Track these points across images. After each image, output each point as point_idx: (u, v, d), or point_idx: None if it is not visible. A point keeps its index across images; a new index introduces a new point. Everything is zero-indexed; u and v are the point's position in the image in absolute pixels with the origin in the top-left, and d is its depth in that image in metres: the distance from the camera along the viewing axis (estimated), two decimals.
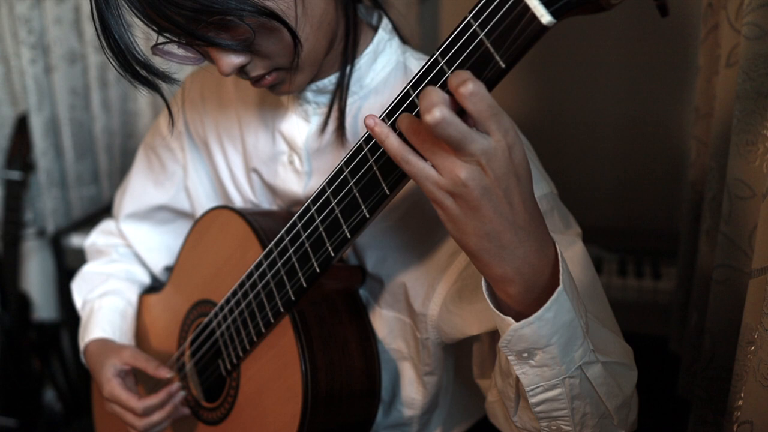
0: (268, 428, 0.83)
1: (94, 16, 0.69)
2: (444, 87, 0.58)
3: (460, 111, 0.55)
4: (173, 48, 0.74)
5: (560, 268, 0.60)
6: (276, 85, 0.78)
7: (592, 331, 0.66)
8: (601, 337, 0.68)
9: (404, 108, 0.63)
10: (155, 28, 0.71)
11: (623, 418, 0.70)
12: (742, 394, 0.78)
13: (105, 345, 0.98)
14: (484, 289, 0.63)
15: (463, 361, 0.95)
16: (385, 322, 0.88)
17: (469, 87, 0.53)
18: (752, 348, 0.77)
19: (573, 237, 0.78)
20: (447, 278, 0.81)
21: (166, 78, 0.73)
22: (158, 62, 0.74)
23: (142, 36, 0.72)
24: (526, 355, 0.62)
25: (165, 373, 0.92)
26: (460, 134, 0.53)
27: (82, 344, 1.01)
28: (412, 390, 0.90)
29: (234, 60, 0.72)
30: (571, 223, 0.81)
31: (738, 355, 0.81)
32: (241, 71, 0.75)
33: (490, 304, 0.62)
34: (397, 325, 0.88)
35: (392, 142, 0.59)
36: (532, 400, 0.65)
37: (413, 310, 0.85)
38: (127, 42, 0.70)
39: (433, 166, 0.57)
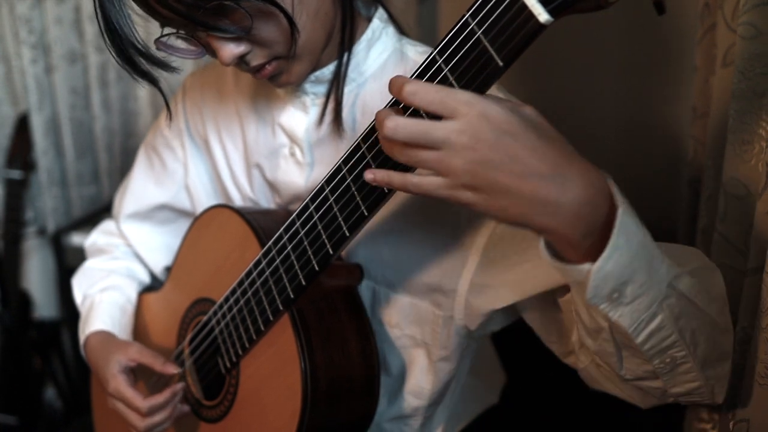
0: (268, 426, 0.83)
1: (96, 7, 0.70)
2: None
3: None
4: (175, 41, 0.75)
5: (614, 192, 0.57)
6: (276, 76, 0.80)
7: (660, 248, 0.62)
8: (671, 251, 0.64)
9: (401, 107, 0.63)
10: (157, 19, 0.72)
11: (728, 321, 0.68)
12: (739, 393, 0.79)
13: (108, 339, 0.99)
14: (544, 251, 0.59)
15: (477, 358, 0.95)
16: (400, 308, 0.88)
17: (407, 88, 0.55)
18: (748, 347, 0.77)
19: None
20: (475, 250, 0.80)
21: (166, 66, 0.74)
22: (160, 56, 0.75)
23: (142, 25, 0.73)
24: (616, 295, 0.59)
25: (173, 369, 0.92)
26: (419, 128, 0.55)
27: (82, 337, 1.01)
28: (422, 378, 0.90)
29: (234, 49, 0.74)
30: None
31: (734, 354, 0.82)
32: (242, 62, 0.76)
33: (558, 263, 0.59)
34: (413, 310, 0.88)
35: (395, 180, 0.60)
36: (639, 340, 0.62)
37: (437, 289, 0.84)
38: (128, 32, 0.71)
39: (434, 173, 0.57)
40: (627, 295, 0.59)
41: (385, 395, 0.92)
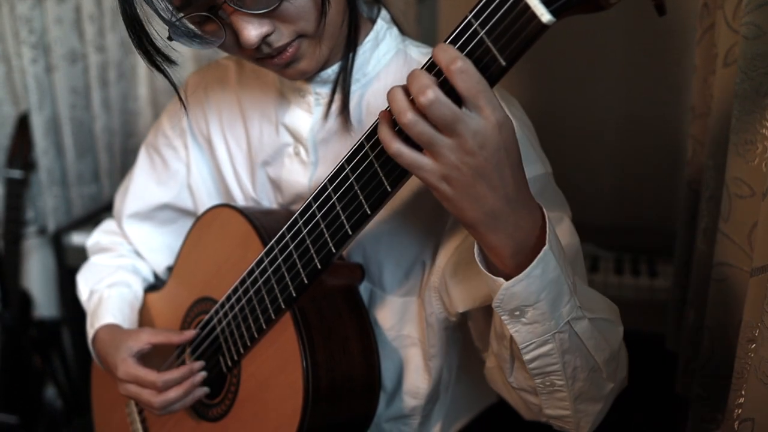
0: (269, 424, 0.83)
1: None
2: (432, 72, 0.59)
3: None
4: (193, 26, 0.73)
5: (547, 229, 0.63)
6: (295, 62, 0.77)
7: (578, 291, 0.70)
8: (588, 296, 0.73)
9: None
10: (177, 1, 0.70)
11: (611, 372, 0.75)
12: (743, 392, 0.78)
13: (118, 330, 0.98)
14: (476, 255, 0.66)
15: (467, 352, 0.95)
16: (395, 308, 0.89)
17: (458, 64, 0.55)
18: (753, 346, 0.77)
19: (561, 215, 0.81)
20: (446, 250, 0.84)
21: (169, 60, 0.74)
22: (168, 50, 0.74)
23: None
24: (518, 313, 0.66)
25: (189, 333, 0.93)
26: (453, 114, 0.56)
27: (91, 331, 1.00)
28: (417, 378, 0.91)
29: (259, 28, 0.71)
30: (562, 204, 0.84)
31: (739, 353, 0.81)
32: (264, 44, 0.74)
33: (482, 269, 0.66)
34: (409, 309, 0.89)
35: (384, 135, 0.61)
36: (526, 357, 0.69)
37: (423, 288, 0.87)
38: (144, 20, 0.70)
39: (425, 152, 0.59)
40: (527, 317, 0.66)
41: (383, 398, 0.93)
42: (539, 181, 0.81)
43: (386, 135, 0.61)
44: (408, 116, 0.57)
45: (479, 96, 0.56)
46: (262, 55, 0.76)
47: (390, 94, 0.60)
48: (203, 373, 0.91)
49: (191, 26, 0.73)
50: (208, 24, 0.74)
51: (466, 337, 0.94)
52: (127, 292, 1.05)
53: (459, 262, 0.83)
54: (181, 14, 0.71)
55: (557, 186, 0.85)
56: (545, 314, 0.65)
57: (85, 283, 1.09)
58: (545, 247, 0.62)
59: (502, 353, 0.74)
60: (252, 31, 0.71)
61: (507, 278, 0.63)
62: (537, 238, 0.64)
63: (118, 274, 1.07)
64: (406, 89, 0.59)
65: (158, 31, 0.73)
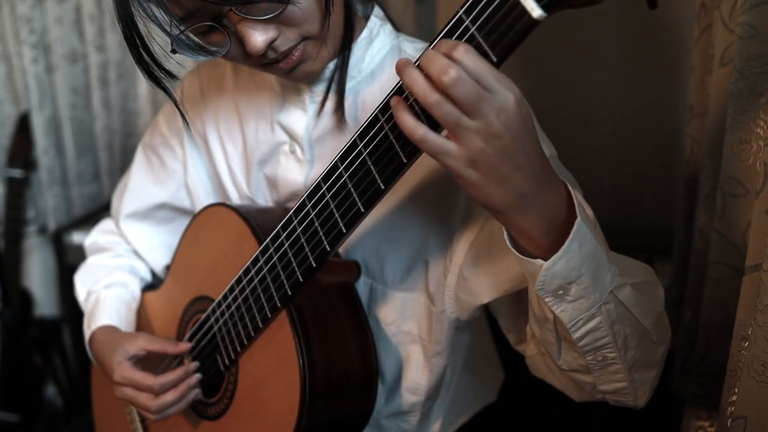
0: (267, 422, 0.84)
1: (116, 10, 0.69)
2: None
3: None
4: (196, 38, 0.72)
5: (575, 202, 0.62)
6: (300, 65, 0.77)
7: (612, 259, 0.68)
8: (622, 263, 0.71)
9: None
10: (180, 11, 0.69)
11: (661, 335, 0.74)
12: (736, 390, 0.79)
13: (114, 332, 0.98)
14: (507, 240, 0.64)
15: (472, 352, 0.96)
16: (396, 304, 0.89)
17: (460, 49, 0.55)
18: (746, 344, 0.78)
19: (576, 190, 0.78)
20: (462, 246, 0.83)
21: (170, 75, 0.74)
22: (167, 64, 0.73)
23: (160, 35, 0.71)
24: (561, 292, 0.64)
25: (184, 345, 0.93)
26: (477, 93, 0.54)
27: (88, 332, 1.01)
28: (417, 374, 0.91)
29: (264, 34, 0.71)
30: (573, 182, 0.82)
31: (732, 351, 0.82)
32: (269, 49, 0.73)
33: (516, 254, 0.64)
34: (410, 306, 0.88)
35: (407, 121, 0.58)
36: (575, 335, 0.67)
37: (432, 284, 0.86)
38: (145, 36, 0.70)
39: (450, 137, 0.57)
40: (571, 294, 0.65)
41: (382, 392, 0.93)
42: (551, 161, 0.78)
43: (409, 121, 0.58)
44: (434, 97, 0.55)
45: (489, 76, 0.55)
46: (268, 60, 0.75)
47: (407, 76, 0.57)
48: (198, 375, 0.91)
49: (195, 38, 0.72)
50: (212, 34, 0.73)
51: (472, 337, 0.94)
52: (124, 293, 1.06)
53: (478, 255, 0.82)
54: (185, 26, 0.70)
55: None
56: (589, 288, 0.64)
57: (83, 284, 1.09)
58: (578, 220, 0.61)
59: (546, 337, 0.72)
60: (258, 37, 0.71)
61: (544, 259, 0.62)
62: (566, 213, 0.62)
63: (115, 274, 1.08)
64: (423, 64, 0.57)
65: (160, 45, 0.73)
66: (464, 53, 0.55)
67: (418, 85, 0.56)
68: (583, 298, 0.65)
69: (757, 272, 0.75)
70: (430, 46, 0.60)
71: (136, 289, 1.09)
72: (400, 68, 0.58)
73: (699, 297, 1.00)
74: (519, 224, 0.61)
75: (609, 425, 1.49)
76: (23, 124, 1.97)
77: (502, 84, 0.56)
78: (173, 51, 0.72)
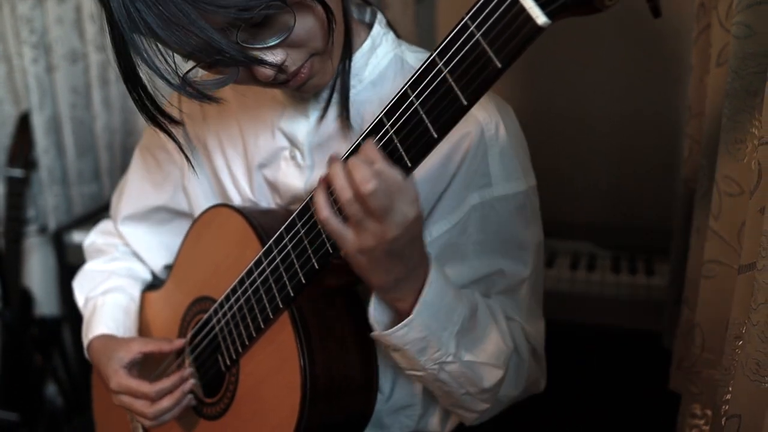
0: (267, 422, 0.84)
1: (119, 60, 0.69)
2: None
3: None
4: (199, 84, 0.71)
5: (420, 300, 0.73)
6: (309, 80, 0.77)
7: (472, 334, 0.80)
8: (479, 338, 0.81)
9: (403, 108, 0.64)
10: (184, 51, 0.68)
11: (486, 398, 0.84)
12: (730, 388, 0.79)
13: (110, 340, 0.99)
14: (372, 306, 0.77)
15: None
16: None
17: (377, 166, 0.63)
18: (740, 343, 0.78)
19: (523, 242, 0.89)
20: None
21: (171, 120, 0.76)
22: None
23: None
24: (394, 349, 0.78)
25: (179, 342, 0.95)
26: (386, 206, 0.64)
27: (85, 341, 1.02)
28: None
29: (275, 58, 0.71)
30: (534, 225, 0.90)
31: (726, 350, 0.82)
32: (279, 71, 0.73)
33: (371, 313, 0.77)
34: None
35: (319, 199, 0.68)
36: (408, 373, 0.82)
37: None
38: (149, 87, 0.71)
39: (349, 225, 0.67)
40: (396, 354, 0.80)
41: (383, 389, 0.94)
42: (518, 198, 0.86)
43: (321, 201, 0.67)
44: (347, 195, 0.64)
45: (396, 194, 0.64)
46: (278, 81, 0.75)
47: (332, 169, 0.66)
48: (192, 381, 0.93)
49: (199, 87, 0.71)
50: (217, 65, 0.72)
51: None
52: (122, 298, 1.06)
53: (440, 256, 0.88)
54: (191, 60, 0.70)
55: (538, 199, 0.90)
56: (411, 360, 0.78)
57: (81, 290, 1.11)
58: (410, 317, 0.73)
59: None
60: (268, 61, 0.71)
61: (402, 314, 0.75)
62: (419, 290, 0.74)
63: (112, 279, 1.08)
64: (348, 167, 0.65)
65: (161, 90, 0.73)
66: (385, 167, 0.63)
67: (338, 181, 0.65)
68: (405, 360, 0.79)
69: (752, 271, 0.76)
70: (435, 52, 0.61)
71: (134, 291, 1.09)
72: (330, 161, 0.68)
73: (695, 296, 1.00)
74: (391, 297, 0.75)
75: (607, 425, 1.50)
76: (23, 124, 1.97)
77: (407, 200, 0.65)
78: (185, 88, 0.70)
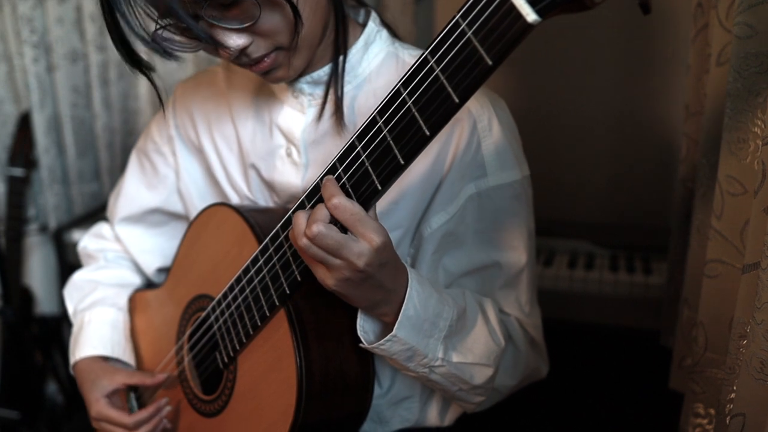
0: (264, 419, 0.84)
1: None
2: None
3: None
4: (173, 35, 0.75)
5: (398, 319, 0.75)
6: (273, 70, 0.80)
7: (460, 336, 0.82)
8: (468, 340, 0.83)
9: (396, 106, 0.64)
10: (159, 10, 0.71)
11: (480, 392, 0.87)
12: (735, 387, 0.79)
13: (95, 363, 1.01)
14: (360, 319, 0.78)
15: None
16: None
17: (333, 201, 0.67)
18: (744, 342, 0.78)
19: (516, 232, 0.90)
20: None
21: (168, 54, 0.75)
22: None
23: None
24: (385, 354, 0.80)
25: (161, 377, 0.98)
26: (336, 243, 0.67)
27: (72, 359, 1.04)
28: None
29: (237, 40, 0.74)
30: (527, 216, 0.91)
31: (730, 349, 0.82)
32: (242, 54, 0.76)
33: (359, 325, 0.79)
34: None
35: (296, 228, 0.70)
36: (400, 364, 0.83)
37: (423, 271, 0.91)
38: (131, 19, 0.71)
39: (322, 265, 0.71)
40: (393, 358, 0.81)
41: (383, 382, 0.94)
42: (513, 187, 0.87)
43: (297, 230, 0.69)
44: (303, 241, 0.68)
45: (356, 225, 0.67)
46: (240, 62, 0.79)
47: (294, 217, 0.70)
48: (168, 408, 0.97)
49: (165, 46, 0.74)
50: (188, 32, 0.75)
51: None
52: (108, 312, 1.07)
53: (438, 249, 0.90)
54: (162, 24, 0.73)
55: (532, 191, 0.91)
56: (401, 365, 0.80)
57: (70, 300, 1.12)
58: (391, 333, 0.75)
59: None
60: (230, 42, 0.74)
61: (389, 326, 0.77)
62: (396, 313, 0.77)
63: (99, 291, 1.09)
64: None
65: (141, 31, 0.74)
66: (333, 208, 0.67)
67: (296, 227, 0.69)
68: (398, 363, 0.81)
69: (756, 270, 0.76)
70: (427, 50, 0.61)
71: (120, 300, 1.10)
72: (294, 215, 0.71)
73: (696, 295, 1.00)
74: (376, 314, 0.78)
75: (608, 423, 1.50)
76: (24, 123, 1.98)
77: (368, 230, 0.67)
78: (154, 41, 0.73)
